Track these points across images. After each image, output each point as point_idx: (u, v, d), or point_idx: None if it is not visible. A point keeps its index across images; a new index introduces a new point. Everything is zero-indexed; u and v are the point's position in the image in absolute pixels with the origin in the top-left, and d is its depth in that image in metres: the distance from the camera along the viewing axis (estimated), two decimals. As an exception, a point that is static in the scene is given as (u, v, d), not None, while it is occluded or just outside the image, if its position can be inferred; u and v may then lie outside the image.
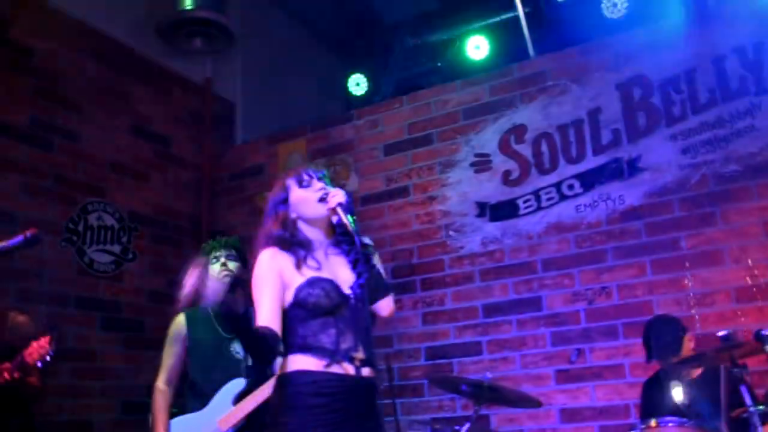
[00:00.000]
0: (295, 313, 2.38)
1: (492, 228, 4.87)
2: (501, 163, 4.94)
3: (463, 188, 5.03)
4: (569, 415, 4.44)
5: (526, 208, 4.80)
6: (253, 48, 6.41)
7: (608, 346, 4.43)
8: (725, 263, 4.23)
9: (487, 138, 5.02)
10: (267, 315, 2.33)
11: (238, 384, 3.47)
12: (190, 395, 3.57)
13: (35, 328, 3.60)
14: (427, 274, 5.03)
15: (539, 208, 4.77)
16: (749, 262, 4.16)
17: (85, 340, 4.81)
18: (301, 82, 6.76)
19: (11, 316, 3.75)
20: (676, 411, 3.44)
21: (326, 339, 2.33)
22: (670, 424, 3.01)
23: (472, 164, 5.02)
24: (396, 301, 4.99)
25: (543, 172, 4.80)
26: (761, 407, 2.77)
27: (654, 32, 4.68)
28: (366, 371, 2.37)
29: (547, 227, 4.72)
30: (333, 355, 2.31)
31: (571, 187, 4.70)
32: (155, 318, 5.22)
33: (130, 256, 5.23)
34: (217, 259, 3.62)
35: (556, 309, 4.60)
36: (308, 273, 2.40)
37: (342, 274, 2.48)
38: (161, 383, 3.57)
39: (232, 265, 3.62)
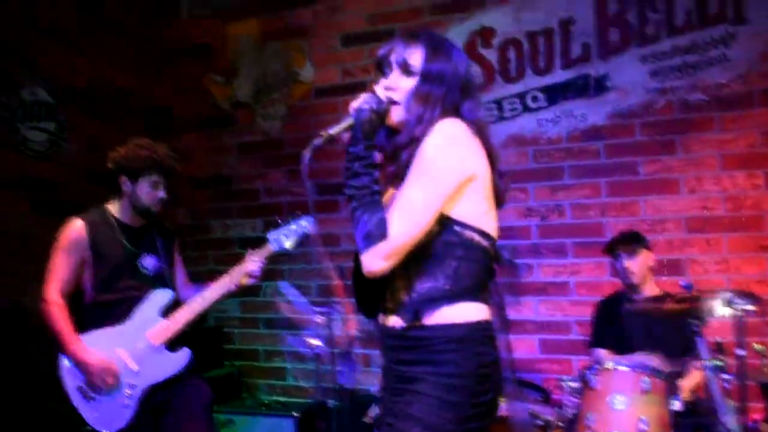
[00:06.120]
0: None
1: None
2: (465, 66, 4.75)
3: (423, 89, 4.84)
4: (512, 326, 4.55)
5: (488, 116, 4.69)
6: None
7: (556, 263, 4.50)
8: (680, 192, 4.27)
9: (453, 38, 4.79)
10: None
11: (164, 295, 3.29)
12: (90, 313, 3.26)
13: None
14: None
15: (501, 119, 4.66)
16: (703, 193, 4.23)
17: (19, 223, 4.56)
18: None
19: None
20: (631, 341, 3.58)
21: None
22: (625, 368, 3.09)
23: (435, 65, 4.82)
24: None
25: (508, 80, 4.66)
26: (717, 362, 2.88)
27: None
28: (391, 321, 1.99)
29: (507, 138, 4.64)
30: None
31: (535, 99, 4.59)
32: (92, 200, 4.96)
33: (65, 134, 4.90)
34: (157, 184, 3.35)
35: (508, 222, 4.60)
36: None
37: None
38: (54, 294, 3.18)
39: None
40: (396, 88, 1.98)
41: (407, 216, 1.83)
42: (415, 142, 1.89)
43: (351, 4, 5.09)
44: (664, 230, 4.28)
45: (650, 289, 3.80)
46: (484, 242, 1.93)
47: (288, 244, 3.32)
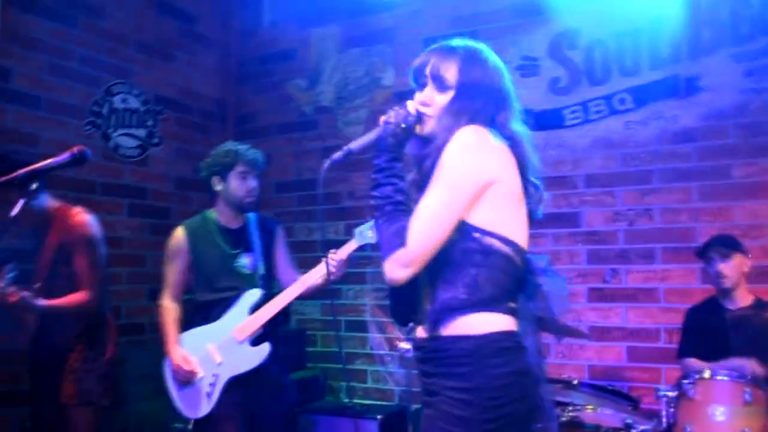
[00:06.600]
0: None
1: (535, 137, 4.67)
2: (549, 68, 4.69)
3: (506, 92, 4.80)
4: (598, 332, 4.46)
5: (573, 119, 4.62)
6: None
7: (645, 269, 4.39)
8: (776, 196, 4.12)
9: (537, 40, 4.75)
10: None
11: (254, 294, 3.40)
12: (195, 312, 3.47)
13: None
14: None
15: (586, 121, 4.58)
16: (802, 196, 4.06)
17: (111, 227, 4.72)
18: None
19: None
20: (725, 349, 3.46)
21: None
22: (725, 378, 2.99)
23: (518, 68, 4.77)
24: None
25: (594, 82, 4.58)
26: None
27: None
28: (418, 331, 2.01)
29: (593, 142, 4.55)
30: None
31: (622, 101, 4.49)
32: (181, 205, 5.14)
33: (156, 140, 5.06)
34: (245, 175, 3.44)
35: (595, 227, 4.52)
36: None
37: None
38: (166, 301, 3.46)
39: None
40: (430, 102, 2.00)
41: (424, 224, 1.85)
42: (438, 151, 1.90)
43: (433, 7, 5.09)
44: (759, 236, 4.12)
45: (743, 296, 3.67)
46: (506, 249, 1.89)
47: (372, 236, 3.34)
